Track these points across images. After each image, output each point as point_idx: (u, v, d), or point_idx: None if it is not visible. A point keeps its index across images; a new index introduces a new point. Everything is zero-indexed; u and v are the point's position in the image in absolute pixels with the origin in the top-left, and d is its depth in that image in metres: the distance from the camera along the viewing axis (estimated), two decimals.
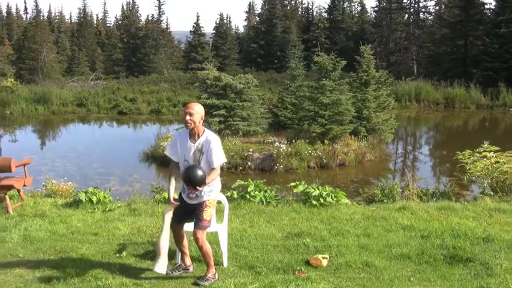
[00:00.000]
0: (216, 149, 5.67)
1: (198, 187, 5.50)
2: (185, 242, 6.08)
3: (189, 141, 5.74)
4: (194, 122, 5.64)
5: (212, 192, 5.82)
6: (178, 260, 6.23)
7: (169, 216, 5.78)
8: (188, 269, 6.11)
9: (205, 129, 5.81)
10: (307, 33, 65.64)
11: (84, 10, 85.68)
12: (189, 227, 5.99)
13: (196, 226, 5.73)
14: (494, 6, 45.03)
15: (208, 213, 5.76)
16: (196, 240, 5.71)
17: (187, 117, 5.62)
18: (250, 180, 10.12)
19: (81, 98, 36.83)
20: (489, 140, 11.90)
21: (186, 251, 6.12)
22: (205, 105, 21.07)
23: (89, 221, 8.39)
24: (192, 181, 5.46)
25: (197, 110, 5.67)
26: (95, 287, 5.63)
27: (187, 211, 5.85)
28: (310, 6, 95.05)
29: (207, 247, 5.77)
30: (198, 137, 5.73)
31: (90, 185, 10.83)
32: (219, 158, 5.69)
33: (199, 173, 5.47)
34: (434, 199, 10.41)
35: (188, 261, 6.14)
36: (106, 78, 56.52)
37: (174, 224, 5.93)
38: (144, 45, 66.88)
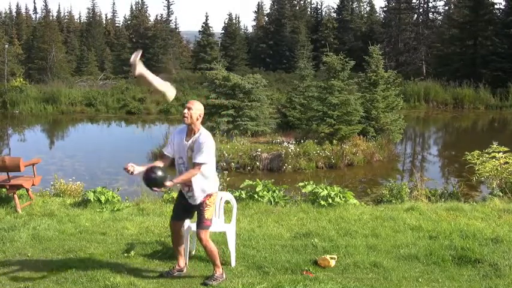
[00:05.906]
0: (203, 147, 5.57)
1: (157, 187, 5.47)
2: (182, 243, 6.06)
3: (184, 139, 5.72)
4: (191, 117, 5.58)
5: (205, 192, 5.74)
6: (186, 261, 6.23)
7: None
8: (182, 271, 6.07)
9: (202, 128, 5.74)
10: (316, 33, 65.64)
11: (93, 10, 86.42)
12: (193, 227, 6.00)
13: (199, 226, 5.73)
14: (504, 6, 44.93)
15: (210, 213, 5.76)
16: (200, 240, 5.73)
17: (185, 111, 5.59)
18: (258, 180, 10.10)
19: (89, 97, 37.04)
20: (498, 141, 11.81)
21: (182, 252, 6.08)
22: (213, 105, 21.26)
23: (97, 221, 8.41)
24: (150, 182, 5.45)
25: (196, 107, 5.64)
26: (103, 287, 5.65)
27: (187, 207, 5.86)
28: (319, 6, 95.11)
29: (212, 246, 5.76)
30: (194, 134, 5.69)
31: (99, 185, 10.83)
32: (202, 156, 5.56)
33: (159, 173, 5.44)
34: (443, 200, 10.36)
35: (182, 262, 6.08)
36: (115, 78, 56.63)
37: (174, 221, 5.94)
38: (153, 45, 67.12)
